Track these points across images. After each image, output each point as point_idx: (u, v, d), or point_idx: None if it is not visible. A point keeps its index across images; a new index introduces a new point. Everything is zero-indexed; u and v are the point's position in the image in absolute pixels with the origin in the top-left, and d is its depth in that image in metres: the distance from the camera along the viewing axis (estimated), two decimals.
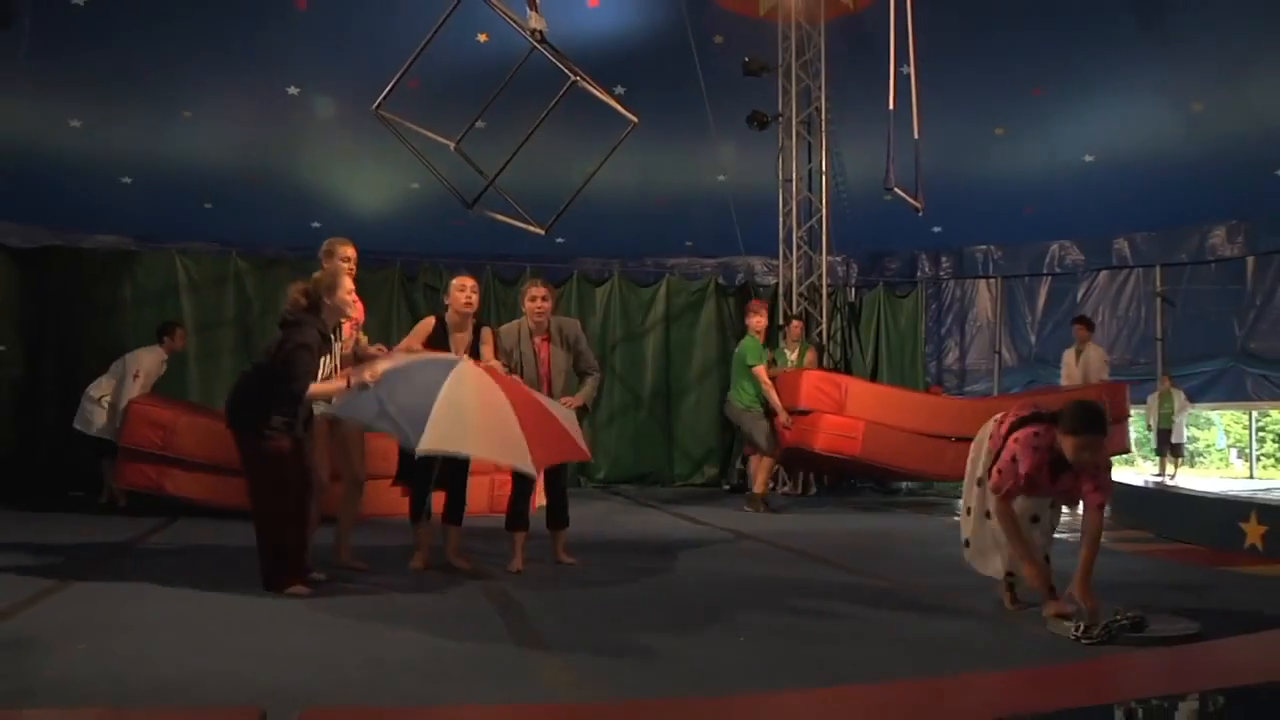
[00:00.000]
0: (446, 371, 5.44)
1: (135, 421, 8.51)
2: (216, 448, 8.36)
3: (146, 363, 9.22)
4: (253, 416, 5.35)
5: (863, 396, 10.08)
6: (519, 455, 5.30)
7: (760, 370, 9.71)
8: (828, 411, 9.83)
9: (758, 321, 9.89)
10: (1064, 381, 11.31)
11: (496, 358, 6.23)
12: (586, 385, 6.45)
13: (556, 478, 6.55)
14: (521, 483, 6.33)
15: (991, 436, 4.85)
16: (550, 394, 6.26)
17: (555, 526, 6.56)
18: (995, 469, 4.63)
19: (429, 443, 5.08)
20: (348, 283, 5.57)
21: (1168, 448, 15.12)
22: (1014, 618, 4.85)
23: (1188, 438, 16.29)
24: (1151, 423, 14.97)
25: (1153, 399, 14.34)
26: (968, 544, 5.11)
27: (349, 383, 5.35)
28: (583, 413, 6.49)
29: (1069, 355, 11.41)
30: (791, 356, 11.09)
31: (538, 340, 6.33)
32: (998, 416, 4.95)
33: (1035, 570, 4.59)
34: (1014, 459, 4.52)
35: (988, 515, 4.84)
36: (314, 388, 5.31)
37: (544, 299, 6.29)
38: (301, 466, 5.46)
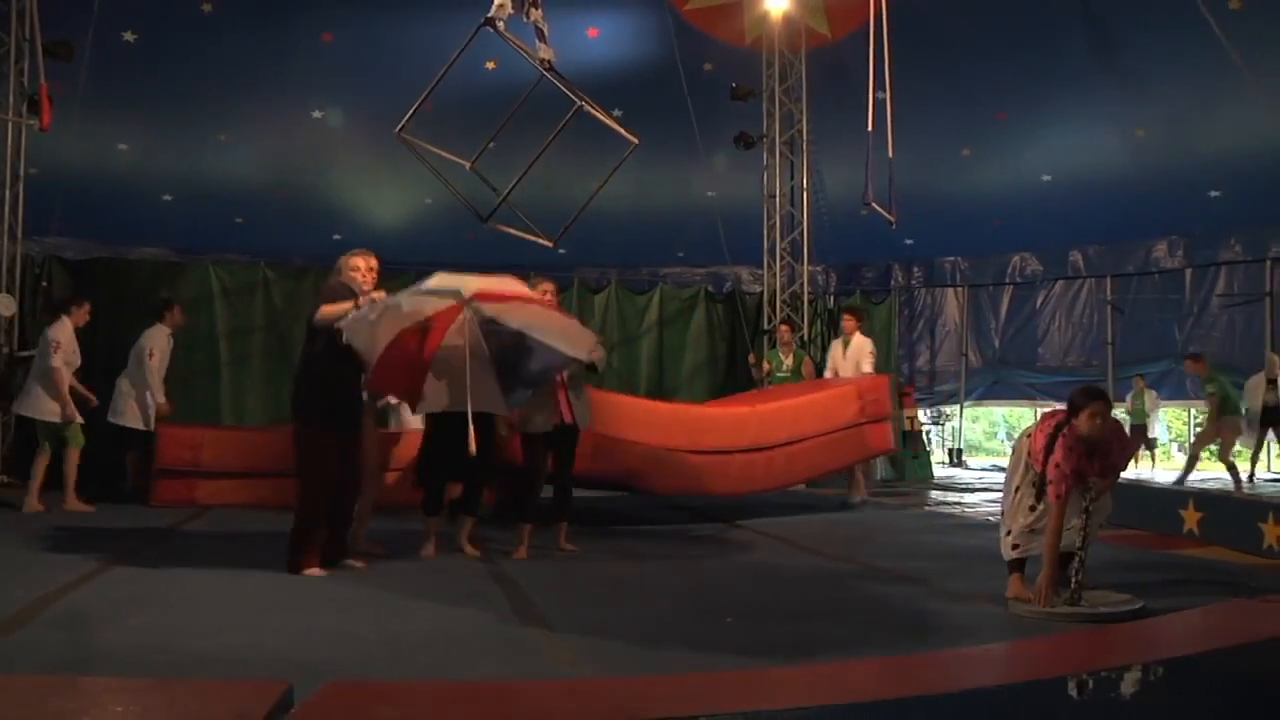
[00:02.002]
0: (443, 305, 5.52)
1: (167, 444, 8.39)
2: (239, 457, 8.35)
3: (159, 342, 8.88)
4: (301, 407, 5.40)
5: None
6: (496, 402, 5.59)
7: None
8: None
9: None
10: (828, 374, 9.93)
11: None
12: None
13: (563, 472, 6.52)
14: (531, 478, 6.37)
15: (1030, 453, 4.84)
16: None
17: (558, 518, 6.57)
18: (1049, 482, 4.62)
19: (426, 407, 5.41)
20: (353, 260, 5.61)
21: (1142, 442, 15.15)
22: (983, 600, 4.87)
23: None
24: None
25: (1130, 398, 14.38)
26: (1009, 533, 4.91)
27: (357, 304, 5.36)
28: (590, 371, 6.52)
29: (836, 346, 10.06)
30: (786, 361, 11.06)
31: None
32: (1029, 431, 4.96)
33: (1049, 571, 4.60)
34: (1058, 466, 4.57)
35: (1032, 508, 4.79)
36: (324, 309, 5.33)
37: (549, 294, 6.48)
38: (345, 463, 5.45)
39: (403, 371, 5.60)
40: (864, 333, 10.06)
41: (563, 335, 5.76)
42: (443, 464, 6.08)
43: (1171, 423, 21.78)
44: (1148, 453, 15.44)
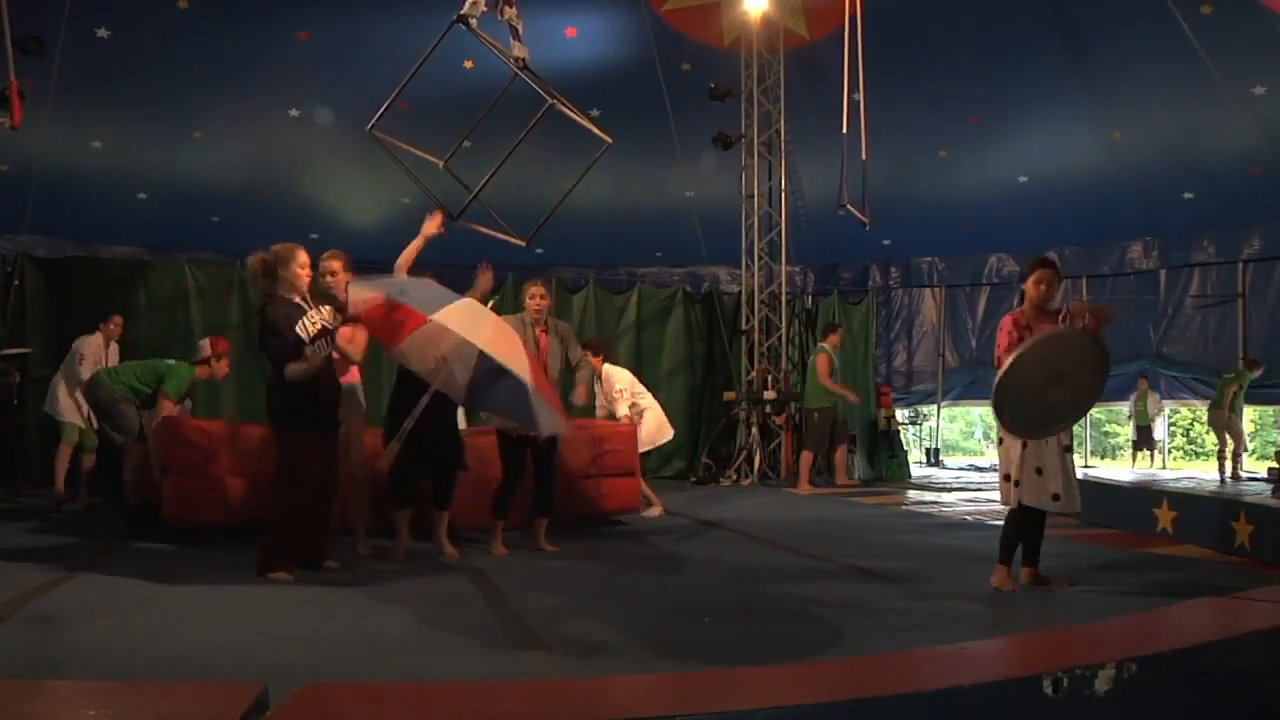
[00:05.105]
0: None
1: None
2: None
3: (90, 346, 9.10)
4: (275, 412, 5.36)
5: None
6: (519, 366, 5.30)
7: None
8: None
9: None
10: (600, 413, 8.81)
11: None
12: (582, 371, 6.72)
13: (546, 463, 6.51)
14: (506, 477, 6.38)
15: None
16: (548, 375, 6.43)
17: (540, 513, 6.54)
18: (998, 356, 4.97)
19: (444, 317, 5.14)
20: (303, 256, 5.46)
21: (1146, 442, 15.29)
22: (959, 599, 4.91)
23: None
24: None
25: (1133, 399, 14.51)
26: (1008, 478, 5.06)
27: (306, 358, 5.28)
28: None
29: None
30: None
31: (538, 331, 6.56)
32: None
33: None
34: (1006, 333, 5.00)
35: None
36: (291, 368, 5.22)
37: (542, 297, 6.64)
38: (325, 466, 5.42)
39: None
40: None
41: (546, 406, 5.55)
42: (412, 459, 6.05)
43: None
44: (1147, 453, 15.59)
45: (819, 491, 11.08)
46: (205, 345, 7.99)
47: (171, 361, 7.71)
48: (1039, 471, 4.93)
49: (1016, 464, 4.97)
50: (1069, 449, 5.01)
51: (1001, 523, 5.30)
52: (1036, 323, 4.99)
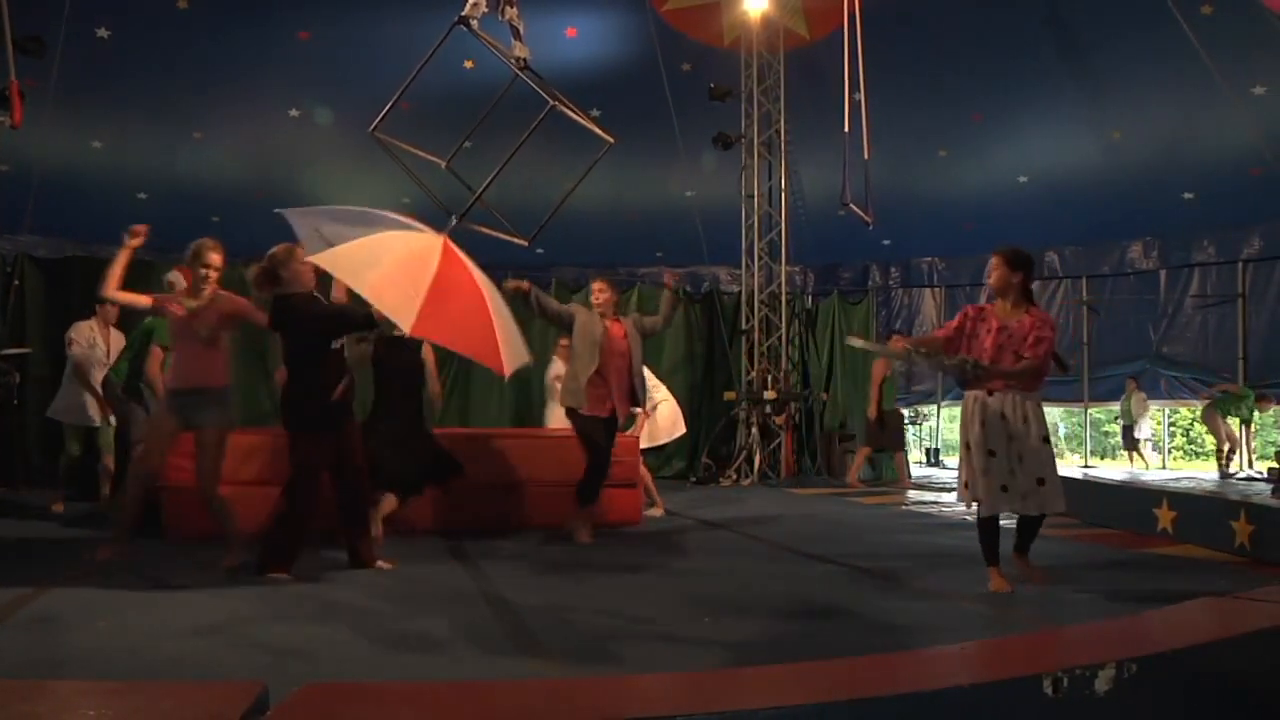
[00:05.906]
0: (403, 228, 5.21)
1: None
2: None
3: (81, 331, 8.81)
4: (290, 415, 5.39)
5: None
6: (405, 311, 4.60)
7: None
8: None
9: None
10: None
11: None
12: (660, 315, 7.23)
13: (603, 460, 6.76)
14: (595, 466, 6.69)
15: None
16: (630, 363, 6.83)
17: (585, 502, 6.82)
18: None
19: (324, 261, 4.75)
20: (300, 252, 5.38)
21: (1132, 442, 15.30)
22: (959, 599, 4.90)
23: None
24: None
25: (1122, 399, 14.52)
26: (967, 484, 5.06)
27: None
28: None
29: None
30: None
31: (608, 323, 6.90)
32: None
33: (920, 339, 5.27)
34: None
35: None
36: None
37: (600, 290, 7.07)
38: (346, 460, 5.46)
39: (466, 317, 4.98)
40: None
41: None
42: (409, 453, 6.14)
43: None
44: (1138, 454, 15.59)
45: (819, 491, 11.08)
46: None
47: (150, 316, 7.46)
48: (985, 474, 4.92)
49: (970, 466, 4.95)
50: (992, 454, 4.90)
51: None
52: (994, 316, 5.03)
